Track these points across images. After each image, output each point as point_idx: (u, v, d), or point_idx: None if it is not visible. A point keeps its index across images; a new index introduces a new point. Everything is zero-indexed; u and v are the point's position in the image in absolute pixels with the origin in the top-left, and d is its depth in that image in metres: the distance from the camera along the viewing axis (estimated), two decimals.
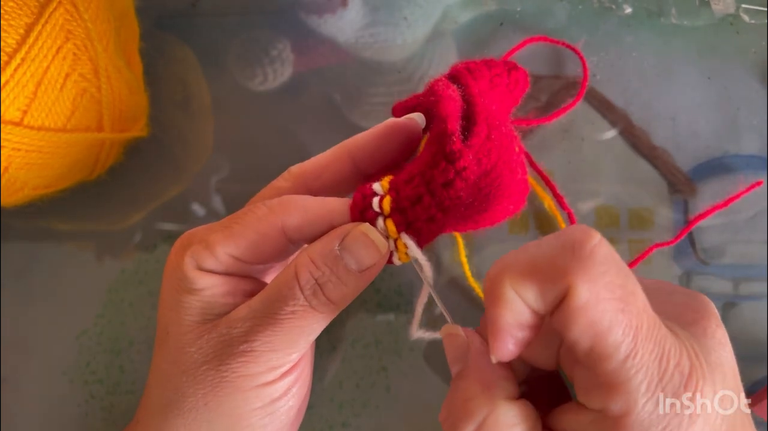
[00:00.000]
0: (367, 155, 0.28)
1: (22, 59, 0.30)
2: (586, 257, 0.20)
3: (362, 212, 0.26)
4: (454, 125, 0.26)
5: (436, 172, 0.25)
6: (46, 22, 0.30)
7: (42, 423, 0.38)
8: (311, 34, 0.41)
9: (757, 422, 0.34)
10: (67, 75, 0.32)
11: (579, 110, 0.39)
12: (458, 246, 0.37)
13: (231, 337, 0.26)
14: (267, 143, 0.40)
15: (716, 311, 0.24)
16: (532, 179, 0.38)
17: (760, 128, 0.39)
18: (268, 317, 0.25)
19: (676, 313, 0.24)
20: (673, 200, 0.38)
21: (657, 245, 0.37)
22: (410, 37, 0.40)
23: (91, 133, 0.34)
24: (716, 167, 0.38)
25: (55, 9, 0.30)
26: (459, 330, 0.26)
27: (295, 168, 0.29)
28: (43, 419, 0.38)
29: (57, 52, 0.31)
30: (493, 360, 0.22)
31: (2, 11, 0.29)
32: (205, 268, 0.26)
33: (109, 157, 0.37)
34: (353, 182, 0.29)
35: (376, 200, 0.26)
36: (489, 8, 0.41)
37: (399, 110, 0.31)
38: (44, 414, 0.38)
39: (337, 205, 0.26)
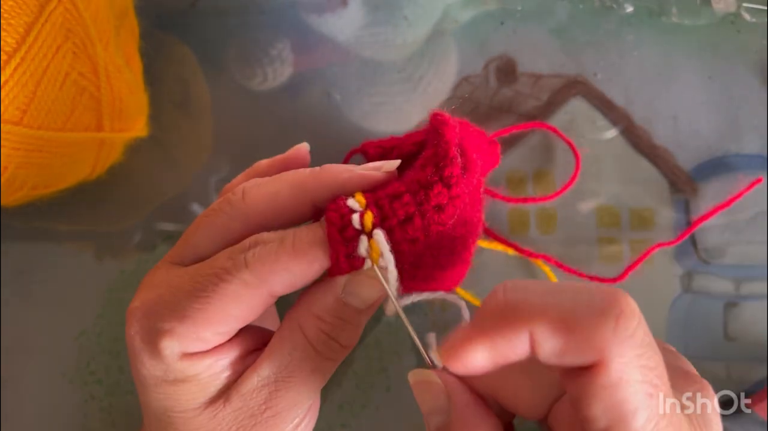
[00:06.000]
0: (328, 195, 0.26)
1: (22, 58, 0.30)
2: (629, 338, 0.19)
3: (342, 232, 0.24)
4: (456, 152, 0.25)
5: (431, 193, 0.24)
6: (46, 21, 0.30)
7: (41, 423, 0.38)
8: (311, 34, 0.41)
9: (757, 422, 0.34)
10: (67, 74, 0.31)
11: (579, 109, 0.39)
12: None
13: (251, 409, 0.25)
14: (267, 142, 0.40)
15: None
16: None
17: (761, 128, 0.38)
18: (284, 380, 0.25)
19: (680, 383, 0.23)
20: (674, 200, 0.38)
21: (659, 245, 0.37)
22: (410, 36, 0.40)
23: (90, 133, 0.34)
24: (718, 166, 0.38)
25: (54, 8, 0.30)
26: (433, 376, 0.24)
27: (250, 204, 0.26)
28: (42, 419, 0.38)
29: (57, 51, 0.31)
30: (438, 364, 0.21)
31: (2, 10, 0.29)
32: (191, 352, 0.24)
33: (108, 157, 0.37)
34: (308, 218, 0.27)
35: (356, 217, 0.25)
36: (489, 7, 0.40)
37: (372, 148, 0.31)
38: (44, 414, 0.38)
39: (315, 245, 0.24)
